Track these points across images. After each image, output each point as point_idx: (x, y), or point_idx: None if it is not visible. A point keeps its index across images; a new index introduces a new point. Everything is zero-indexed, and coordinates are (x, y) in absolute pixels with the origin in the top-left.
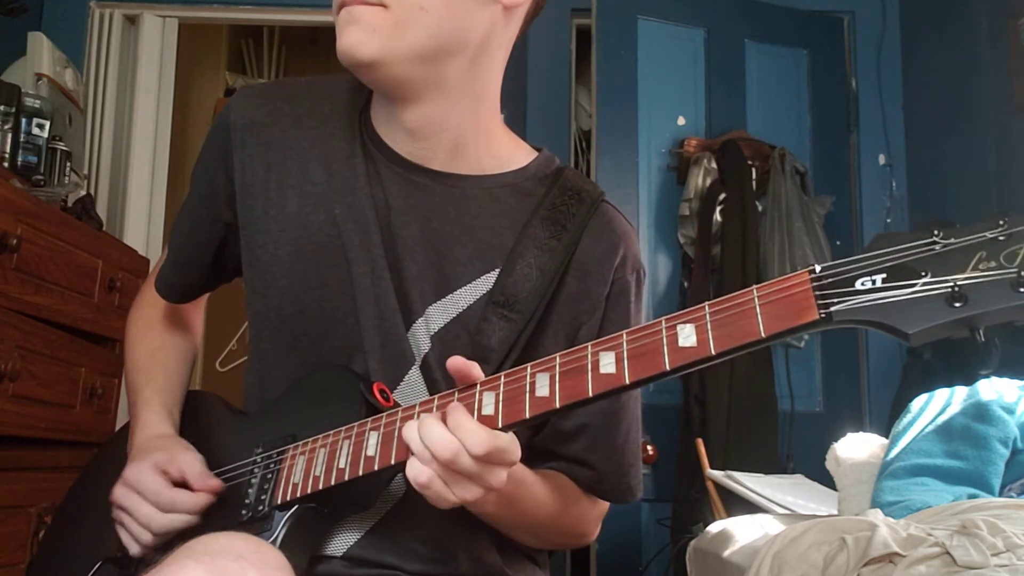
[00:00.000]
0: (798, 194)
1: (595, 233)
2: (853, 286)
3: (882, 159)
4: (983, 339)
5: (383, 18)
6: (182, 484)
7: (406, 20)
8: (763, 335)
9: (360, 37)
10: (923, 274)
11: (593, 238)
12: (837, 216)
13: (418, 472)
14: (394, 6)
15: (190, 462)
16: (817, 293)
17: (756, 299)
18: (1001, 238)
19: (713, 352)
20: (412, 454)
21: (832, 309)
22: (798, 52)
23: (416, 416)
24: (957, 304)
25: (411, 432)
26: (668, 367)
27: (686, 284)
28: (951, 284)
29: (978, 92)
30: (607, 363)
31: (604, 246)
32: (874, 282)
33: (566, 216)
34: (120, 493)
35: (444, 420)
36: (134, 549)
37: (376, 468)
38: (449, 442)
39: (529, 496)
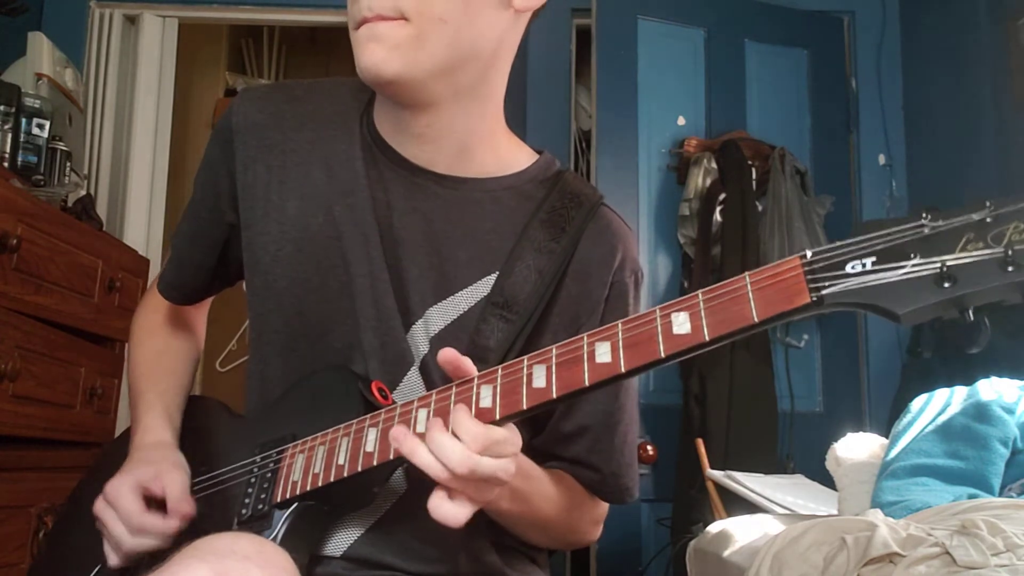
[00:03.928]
0: (798, 194)
1: (594, 236)
2: (844, 269)
3: (882, 159)
4: (972, 319)
5: (405, 32)
6: (163, 502)
7: (427, 33)
8: (756, 320)
9: (384, 55)
10: (912, 256)
11: (592, 241)
12: (837, 216)
13: (452, 515)
14: (415, 19)
15: (173, 481)
16: (808, 277)
17: (748, 285)
18: (988, 220)
19: (707, 338)
20: (429, 476)
21: (824, 292)
22: (798, 52)
23: (414, 411)
24: (946, 284)
25: (423, 456)
26: (663, 354)
27: (686, 284)
28: (940, 265)
29: (978, 92)
30: (603, 352)
31: (603, 249)
32: (864, 265)
33: (565, 219)
34: (99, 507)
35: (447, 425)
36: (112, 561)
37: (375, 463)
38: (465, 457)
39: (540, 492)
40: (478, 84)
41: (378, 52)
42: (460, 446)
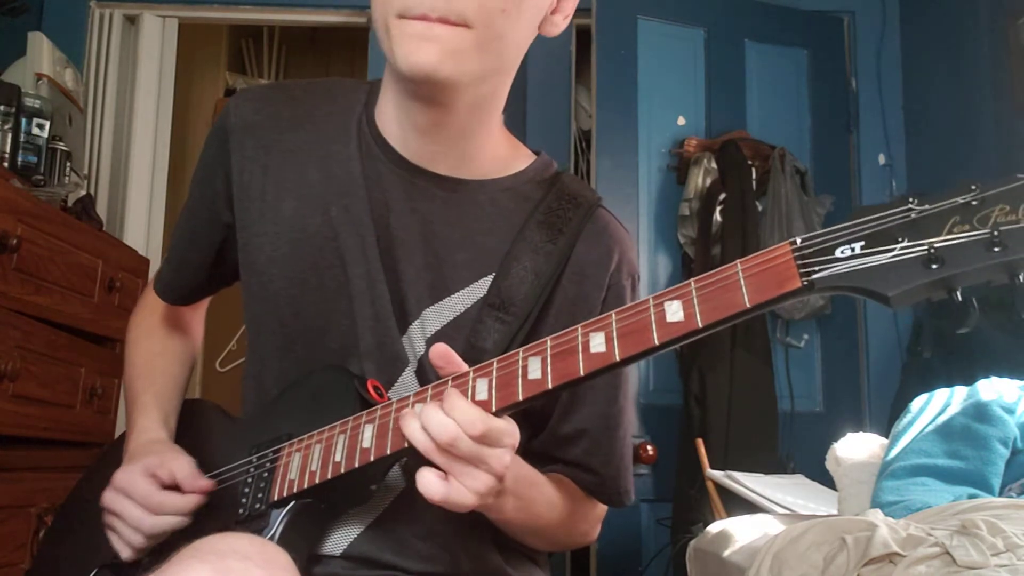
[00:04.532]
0: (798, 194)
1: (591, 238)
2: (833, 254)
3: (882, 159)
4: (960, 299)
5: (465, 39)
6: (172, 487)
7: (485, 45)
8: (748, 305)
9: (440, 57)
10: (900, 240)
11: (589, 243)
12: (837, 216)
13: (430, 486)
14: (479, 28)
15: (180, 465)
16: (799, 263)
17: (740, 272)
18: (974, 203)
19: (700, 325)
20: (412, 446)
21: (814, 277)
22: (798, 52)
23: (411, 406)
24: (934, 266)
25: (410, 422)
26: (657, 342)
27: None
28: (927, 247)
29: (978, 92)
30: (597, 343)
31: (600, 251)
32: (853, 250)
33: (562, 220)
34: (109, 497)
35: (441, 406)
36: (125, 553)
37: (372, 459)
38: (447, 425)
39: (544, 499)
40: (495, 93)
41: (434, 53)
42: (445, 417)
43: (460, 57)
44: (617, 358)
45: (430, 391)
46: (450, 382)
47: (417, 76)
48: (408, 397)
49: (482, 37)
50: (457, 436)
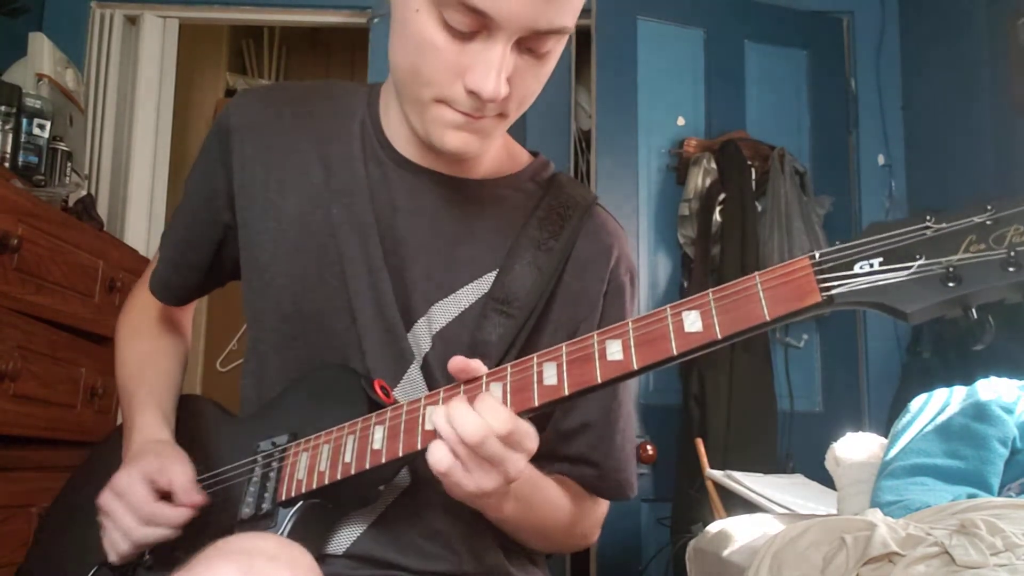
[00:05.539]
0: (797, 194)
1: (590, 235)
2: (852, 269)
3: (881, 159)
4: (976, 317)
5: (500, 126)
6: (170, 494)
7: (512, 119)
8: (768, 318)
9: (476, 143)
10: (918, 257)
11: (588, 239)
12: (836, 216)
13: (439, 459)
14: (513, 114)
15: (180, 473)
16: (818, 277)
17: (759, 285)
18: (989, 222)
19: (719, 336)
20: (438, 438)
21: (833, 292)
22: (798, 52)
23: (422, 408)
24: (951, 284)
25: (439, 416)
26: (675, 352)
27: (686, 284)
28: (945, 265)
29: (978, 92)
30: (614, 350)
31: (599, 247)
32: (872, 265)
33: (562, 218)
34: (106, 499)
35: (472, 403)
36: (112, 557)
37: (384, 461)
38: (478, 425)
39: (545, 499)
40: None
41: (471, 142)
42: (476, 417)
43: (492, 139)
44: (635, 366)
45: (442, 394)
46: (463, 386)
47: (446, 153)
48: (419, 400)
49: (512, 118)
50: (487, 436)
